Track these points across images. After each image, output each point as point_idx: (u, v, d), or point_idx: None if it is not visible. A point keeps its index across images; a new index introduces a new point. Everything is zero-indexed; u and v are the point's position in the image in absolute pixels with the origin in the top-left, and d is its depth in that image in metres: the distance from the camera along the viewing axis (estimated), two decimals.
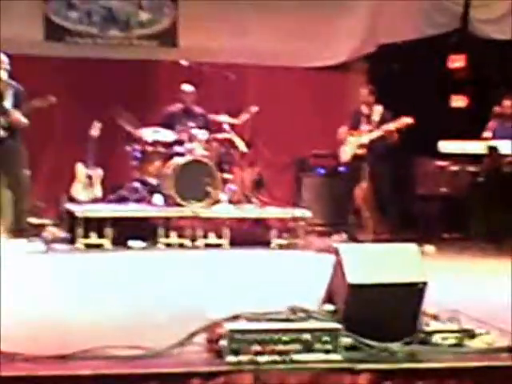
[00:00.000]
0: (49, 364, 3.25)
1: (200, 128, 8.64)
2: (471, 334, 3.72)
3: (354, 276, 3.60)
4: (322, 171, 9.45)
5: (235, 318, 3.56)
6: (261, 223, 8.61)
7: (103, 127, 8.47)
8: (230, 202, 8.47)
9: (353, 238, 8.18)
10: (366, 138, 8.34)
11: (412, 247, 3.78)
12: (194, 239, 8.00)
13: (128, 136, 8.64)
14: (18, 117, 7.35)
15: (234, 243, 8.06)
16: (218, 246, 8.02)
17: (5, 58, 7.49)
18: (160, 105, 9.09)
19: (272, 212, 8.51)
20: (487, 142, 8.42)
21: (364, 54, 9.99)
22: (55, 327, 4.10)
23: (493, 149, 8.32)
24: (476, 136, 8.78)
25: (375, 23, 9.79)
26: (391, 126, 8.13)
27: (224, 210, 8.26)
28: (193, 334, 3.54)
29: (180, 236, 8.00)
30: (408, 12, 9.58)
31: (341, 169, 9.19)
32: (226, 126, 8.77)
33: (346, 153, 8.54)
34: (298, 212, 8.41)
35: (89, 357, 3.33)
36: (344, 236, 8.40)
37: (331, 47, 9.97)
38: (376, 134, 8.25)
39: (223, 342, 3.35)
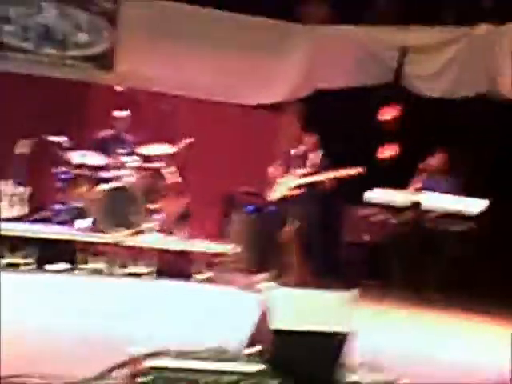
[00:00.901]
0: None
1: (130, 155, 8.55)
2: None
3: (279, 321, 3.58)
4: (251, 208, 9.44)
5: (158, 354, 3.49)
6: (187, 255, 8.52)
7: (34, 146, 8.31)
8: (158, 231, 8.38)
9: (276, 278, 8.16)
10: (300, 181, 8.37)
11: (340, 296, 3.79)
12: (118, 267, 7.86)
13: (56, 157, 8.47)
14: None
15: (160, 273, 7.96)
16: (141, 275, 7.89)
17: None
18: (92, 128, 8.96)
19: (198, 245, 8.44)
20: (411, 196, 8.56)
21: (299, 97, 10.09)
22: None
23: (416, 204, 8.47)
24: (403, 187, 8.92)
25: (312, 68, 9.92)
26: (338, 173, 8.17)
27: (150, 240, 8.16)
28: (113, 368, 3.45)
29: (106, 262, 7.84)
30: (344, 61, 9.76)
31: (270, 208, 9.22)
32: (158, 155, 8.70)
33: (275, 193, 8.56)
34: (224, 247, 8.38)
35: None
36: (268, 275, 8.38)
37: (267, 87, 10.05)
38: (315, 178, 8.28)
39: (144, 379, 3.28)
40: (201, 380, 3.29)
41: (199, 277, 8.13)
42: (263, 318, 3.65)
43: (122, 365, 3.45)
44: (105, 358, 3.60)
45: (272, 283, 7.91)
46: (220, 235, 9.27)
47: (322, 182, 8.20)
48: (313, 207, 8.39)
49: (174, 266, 8.37)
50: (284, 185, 8.47)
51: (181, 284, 7.78)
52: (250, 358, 3.58)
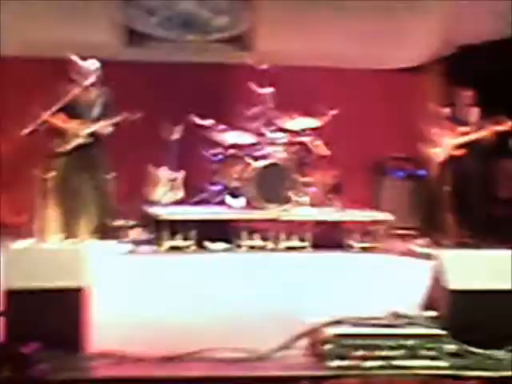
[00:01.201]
0: (157, 365, 3.32)
1: (279, 131, 8.69)
2: None
3: (456, 282, 3.59)
4: (401, 174, 9.38)
5: (338, 322, 3.58)
6: (341, 226, 8.58)
7: (184, 131, 8.61)
8: (311, 205, 8.50)
9: (436, 243, 8.09)
10: (465, 139, 8.21)
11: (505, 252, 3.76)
12: (275, 242, 8.05)
13: (208, 140, 8.74)
14: (103, 127, 7.54)
15: (315, 246, 8.09)
16: (300, 248, 8.04)
17: (93, 66, 7.63)
18: (239, 108, 9.15)
19: (353, 215, 8.48)
20: None
21: (443, 55, 9.89)
22: (156, 329, 4.18)
23: None
24: None
25: (453, 25, 9.66)
26: (495, 128, 8.00)
27: (305, 213, 8.29)
28: (296, 338, 3.57)
29: (262, 239, 8.06)
30: (484, 13, 9.44)
31: (420, 172, 9.15)
32: (305, 129, 8.79)
33: (439, 154, 8.41)
34: (380, 215, 8.39)
35: (196, 359, 3.40)
36: (427, 240, 8.32)
37: (408, 49, 9.90)
38: (476, 135, 8.12)
39: (328, 347, 3.38)
40: (382, 345, 3.36)
41: (358, 246, 8.17)
42: (440, 281, 3.67)
43: (304, 334, 3.57)
44: (286, 330, 3.72)
45: (431, 248, 7.92)
46: (372, 203, 9.27)
47: (482, 139, 8.02)
48: (474, 165, 8.21)
49: (332, 237, 8.46)
50: (449, 145, 8.30)
51: (340, 255, 7.85)
52: (427, 322, 3.61)
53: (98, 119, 7.55)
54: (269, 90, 8.97)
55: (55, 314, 3.16)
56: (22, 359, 2.80)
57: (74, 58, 7.54)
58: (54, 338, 3.11)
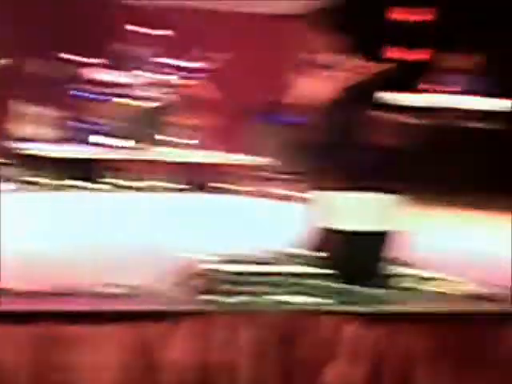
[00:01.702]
0: (41, 300, 3.25)
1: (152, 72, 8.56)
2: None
3: (339, 223, 3.68)
4: (282, 120, 9.44)
5: (210, 258, 3.60)
6: (219, 170, 8.58)
7: (50, 66, 8.33)
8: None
9: (314, 187, 8.23)
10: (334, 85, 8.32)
11: (386, 197, 3.88)
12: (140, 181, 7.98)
13: (75, 76, 8.48)
14: None
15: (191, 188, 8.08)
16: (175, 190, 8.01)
17: None
18: (103, 43, 8.89)
19: (229, 158, 8.49)
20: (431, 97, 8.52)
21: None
22: (31, 265, 4.09)
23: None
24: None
25: None
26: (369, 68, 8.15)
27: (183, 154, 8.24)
28: (168, 273, 3.57)
29: (123, 178, 7.95)
30: None
31: (299, 119, 9.24)
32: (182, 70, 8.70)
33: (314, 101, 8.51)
34: (260, 160, 8.44)
35: (64, 294, 3.34)
36: (306, 185, 8.44)
37: None
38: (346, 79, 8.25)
39: (198, 281, 3.39)
40: (262, 281, 3.39)
41: (239, 189, 8.21)
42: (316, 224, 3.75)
43: (177, 270, 3.57)
44: (157, 266, 3.71)
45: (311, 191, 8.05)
46: (254, 149, 9.30)
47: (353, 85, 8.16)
48: (347, 112, 8.36)
49: (205, 180, 8.46)
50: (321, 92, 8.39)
51: (221, 197, 7.87)
52: (309, 261, 3.68)
53: None
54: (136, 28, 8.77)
55: None
56: None
57: None
58: None
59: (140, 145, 8.08)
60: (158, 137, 8.15)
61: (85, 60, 8.49)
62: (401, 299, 3.55)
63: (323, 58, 8.44)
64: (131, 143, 8.07)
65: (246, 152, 8.86)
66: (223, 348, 3.14)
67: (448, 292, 3.72)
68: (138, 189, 7.88)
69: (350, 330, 3.21)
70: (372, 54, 8.68)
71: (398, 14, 9.83)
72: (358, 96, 8.17)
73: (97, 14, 9.11)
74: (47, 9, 8.95)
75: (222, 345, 3.14)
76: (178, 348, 3.16)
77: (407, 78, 8.99)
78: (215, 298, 3.32)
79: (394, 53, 9.76)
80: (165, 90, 8.63)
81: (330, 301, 3.41)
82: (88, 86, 8.32)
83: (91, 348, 3.14)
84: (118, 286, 3.45)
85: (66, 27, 8.85)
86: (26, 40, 8.47)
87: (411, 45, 9.68)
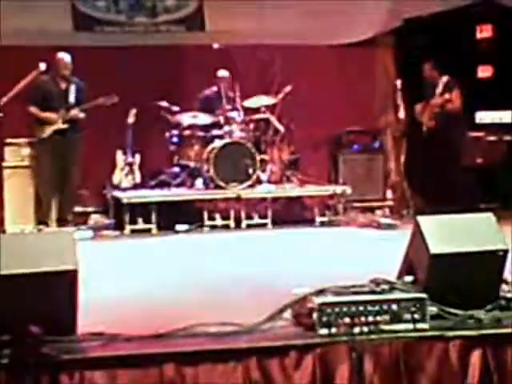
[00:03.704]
0: (150, 343, 3.35)
1: (236, 110, 8.72)
2: None
3: (435, 246, 3.69)
4: (357, 147, 9.49)
5: (321, 292, 3.65)
6: (300, 202, 8.69)
7: (140, 114, 8.58)
8: (269, 182, 8.57)
9: (396, 213, 8.26)
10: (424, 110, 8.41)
11: (488, 216, 3.87)
12: (237, 220, 8.11)
13: (166, 122, 8.72)
14: (77, 112, 7.80)
15: (275, 223, 8.17)
16: (262, 225, 8.12)
17: (68, 58, 7.91)
18: (194, 89, 9.15)
19: (313, 190, 8.59)
20: None
21: (390, 29, 10.00)
22: (138, 308, 4.22)
23: None
24: (504, 105, 8.79)
25: None
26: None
27: (265, 191, 8.36)
28: (282, 309, 3.64)
29: (224, 218, 8.11)
30: None
31: (375, 145, 9.31)
32: (261, 107, 8.84)
33: (395, 126, 8.60)
34: (339, 189, 8.51)
35: (186, 335, 3.44)
36: (387, 211, 8.48)
37: (356, 23, 9.98)
38: (435, 105, 8.32)
39: (315, 316, 3.45)
40: (367, 311, 3.45)
41: (318, 220, 8.28)
42: (417, 246, 3.76)
43: (290, 305, 3.64)
44: (264, 302, 3.79)
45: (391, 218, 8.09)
46: (330, 178, 9.39)
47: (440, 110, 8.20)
48: (433, 135, 8.38)
49: (290, 214, 8.55)
50: (402, 116, 8.45)
51: (301, 230, 7.94)
52: (408, 287, 3.71)
53: (72, 106, 7.76)
54: (226, 71, 8.99)
55: (46, 298, 3.17)
56: (30, 340, 2.81)
57: (62, 54, 7.89)
58: (45, 321, 3.12)
59: (236, 184, 8.21)
60: (253, 174, 8.25)
61: (179, 108, 8.74)
62: None
63: (399, 83, 8.53)
64: (230, 182, 8.21)
65: (327, 182, 8.94)
66: (349, 379, 3.20)
67: None
68: (237, 227, 8.00)
69: (476, 354, 3.23)
70: (464, 73, 8.73)
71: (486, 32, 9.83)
72: (455, 120, 8.22)
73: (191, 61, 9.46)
74: (144, 61, 9.31)
75: (347, 376, 3.19)
76: (302, 382, 3.23)
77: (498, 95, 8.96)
78: (333, 330, 3.37)
79: (484, 71, 9.74)
80: (251, 127, 8.77)
81: (439, 325, 3.45)
82: (187, 131, 8.53)
83: None
84: (235, 324, 3.54)
85: (160, 78, 9.17)
86: (116, 90, 8.75)
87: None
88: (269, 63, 9.22)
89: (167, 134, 8.72)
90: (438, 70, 8.59)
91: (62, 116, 7.71)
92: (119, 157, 8.61)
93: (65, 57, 7.89)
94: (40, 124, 7.72)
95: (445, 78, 8.49)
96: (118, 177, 8.54)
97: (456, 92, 8.37)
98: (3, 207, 7.75)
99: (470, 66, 9.89)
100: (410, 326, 3.48)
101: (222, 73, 8.97)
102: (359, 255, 6.01)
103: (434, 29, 9.53)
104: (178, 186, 8.54)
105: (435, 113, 8.35)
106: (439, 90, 8.46)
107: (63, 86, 7.82)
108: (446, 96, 8.29)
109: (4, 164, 7.96)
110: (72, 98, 7.81)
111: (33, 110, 7.70)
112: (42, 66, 7.32)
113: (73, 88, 7.84)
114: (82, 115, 7.83)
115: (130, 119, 8.61)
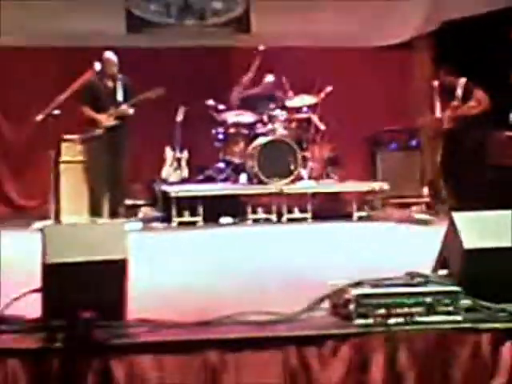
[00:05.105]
0: (195, 330, 3.36)
1: (279, 109, 8.72)
2: None
3: (469, 241, 3.64)
4: (395, 146, 9.43)
5: (358, 283, 3.63)
6: (339, 197, 8.65)
7: (188, 112, 8.63)
8: (310, 178, 8.55)
9: (431, 209, 8.18)
10: (453, 113, 8.26)
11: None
12: (279, 214, 8.11)
13: (212, 120, 8.76)
14: (127, 108, 7.81)
15: (315, 217, 8.15)
16: (302, 220, 8.11)
17: (114, 57, 7.91)
18: (240, 90, 9.17)
19: (351, 186, 8.56)
20: None
21: (427, 31, 9.90)
22: (183, 297, 4.24)
23: None
24: None
25: (437, 0, 9.69)
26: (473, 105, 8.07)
27: (306, 186, 8.35)
28: (321, 300, 3.62)
29: (266, 212, 8.12)
30: None
31: (412, 143, 9.23)
32: (303, 107, 8.82)
33: (431, 125, 8.49)
34: (376, 185, 8.46)
35: (230, 322, 3.44)
36: (423, 207, 8.40)
37: (395, 26, 9.91)
38: (463, 109, 8.16)
39: (351, 307, 3.43)
40: (402, 303, 3.42)
41: (357, 215, 8.23)
42: (452, 241, 3.72)
43: (327, 296, 3.62)
44: (308, 293, 3.77)
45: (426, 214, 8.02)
46: (368, 175, 9.35)
47: (469, 112, 8.06)
48: (464, 135, 8.25)
49: (331, 208, 8.52)
50: (437, 116, 8.33)
51: (340, 224, 7.91)
52: (442, 280, 3.67)
53: (121, 103, 7.79)
54: (272, 76, 9.00)
55: (98, 285, 3.21)
56: (82, 325, 2.85)
57: (109, 54, 7.90)
58: (96, 307, 3.15)
59: (279, 179, 8.20)
60: (294, 171, 8.24)
61: (225, 106, 8.77)
62: None
63: (436, 84, 8.43)
64: (273, 177, 8.21)
65: (365, 179, 8.89)
66: (384, 369, 3.17)
67: None
68: (278, 221, 8.00)
69: (508, 346, 3.18)
70: (498, 75, 8.59)
71: None
72: (481, 121, 8.08)
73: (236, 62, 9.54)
74: (193, 62, 9.35)
75: (382, 365, 3.17)
76: (339, 370, 3.22)
77: None
78: (370, 321, 3.35)
79: None
80: (293, 125, 8.76)
81: (472, 317, 3.41)
82: (232, 129, 8.55)
83: (257, 371, 3.23)
84: (275, 313, 3.53)
85: (208, 78, 9.22)
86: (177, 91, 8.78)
87: None
88: (310, 64, 9.18)
89: (213, 132, 8.77)
90: (456, 73, 8.40)
91: (112, 114, 7.75)
92: (168, 152, 8.70)
93: (111, 56, 7.88)
94: (92, 122, 7.78)
95: (462, 80, 8.27)
96: (167, 172, 8.63)
97: (480, 93, 8.14)
98: (59, 200, 7.85)
99: (505, 69, 9.73)
100: (444, 318, 3.44)
101: (269, 78, 8.97)
102: (396, 249, 5.96)
103: (470, 31, 9.39)
104: (223, 180, 8.58)
105: (456, 116, 8.18)
106: (459, 93, 8.25)
107: (111, 84, 7.84)
108: (472, 103, 8.07)
109: (60, 159, 8.06)
110: (120, 96, 7.80)
111: (85, 110, 7.76)
112: (97, 66, 7.38)
113: (120, 85, 7.83)
114: (131, 111, 7.83)
115: (179, 117, 8.68)
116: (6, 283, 3.64)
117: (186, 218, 7.93)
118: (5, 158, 9.39)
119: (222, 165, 8.70)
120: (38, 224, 7.11)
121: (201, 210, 7.93)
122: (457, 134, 8.27)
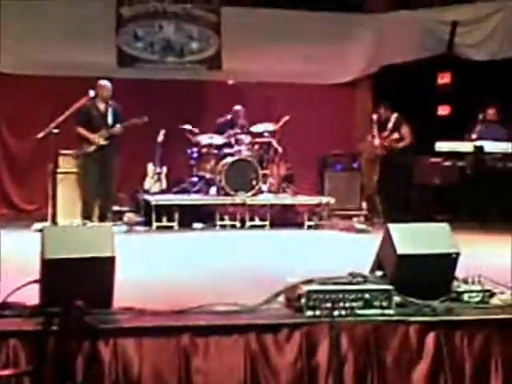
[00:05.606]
0: (170, 317, 3.34)
1: (244, 134, 8.73)
2: (491, 294, 3.79)
3: (401, 248, 3.68)
4: (340, 167, 9.50)
5: (309, 281, 3.63)
6: (293, 209, 8.67)
7: (168, 134, 8.62)
8: (269, 191, 8.56)
9: (368, 220, 8.24)
10: (386, 141, 8.39)
11: (444, 225, 3.86)
12: (242, 222, 8.11)
13: (188, 141, 8.74)
14: (117, 130, 7.72)
15: (272, 225, 8.16)
16: (262, 227, 8.11)
17: (109, 84, 7.79)
18: (213, 116, 9.18)
19: (303, 199, 8.58)
20: (474, 143, 8.44)
21: (368, 73, 10.04)
22: (161, 289, 4.21)
23: (478, 148, 8.35)
24: (459, 137, 8.78)
25: (378, 48, 9.83)
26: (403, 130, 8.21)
27: (266, 199, 8.35)
28: (277, 294, 3.62)
29: (231, 219, 8.10)
30: (404, 38, 9.62)
31: (354, 165, 9.32)
32: (264, 132, 8.84)
33: (369, 151, 8.60)
34: (324, 199, 8.50)
35: (200, 312, 3.42)
36: (362, 219, 8.47)
37: (343, 68, 10.03)
38: (392, 138, 8.29)
39: (303, 300, 3.43)
40: (345, 298, 3.43)
41: (307, 224, 8.25)
42: (387, 248, 3.75)
43: (283, 291, 3.62)
44: (266, 289, 3.76)
45: (364, 224, 8.08)
46: (318, 190, 9.38)
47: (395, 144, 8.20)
48: (394, 159, 8.36)
49: (285, 218, 8.54)
50: (374, 144, 8.43)
51: (293, 232, 7.92)
52: (378, 280, 3.69)
53: (111, 126, 7.70)
54: (240, 106, 9.01)
55: (89, 278, 3.17)
56: (75, 312, 2.81)
57: (104, 82, 7.81)
58: (87, 297, 3.10)
59: (243, 192, 8.19)
60: (256, 185, 8.24)
61: (199, 130, 8.75)
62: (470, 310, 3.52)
63: (374, 118, 8.55)
64: (238, 191, 8.19)
65: (312, 194, 8.93)
66: (329, 353, 3.18)
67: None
68: (242, 227, 7.99)
69: (431, 336, 3.21)
70: (426, 111, 8.72)
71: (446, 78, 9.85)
72: (410, 149, 8.20)
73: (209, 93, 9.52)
74: (172, 92, 9.31)
75: (327, 350, 3.18)
76: (291, 353, 3.21)
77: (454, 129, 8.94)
78: (318, 312, 3.36)
79: (443, 110, 9.75)
80: (256, 148, 8.77)
81: (402, 312, 3.43)
82: (204, 149, 8.53)
83: (222, 354, 3.21)
84: (238, 304, 3.52)
85: (185, 106, 9.18)
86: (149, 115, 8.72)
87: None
88: (272, 97, 9.21)
89: (189, 151, 8.73)
90: (390, 108, 8.57)
91: (103, 135, 7.67)
92: (150, 168, 8.65)
93: (106, 83, 7.79)
94: (86, 140, 7.69)
95: (395, 115, 8.44)
96: (149, 183, 8.57)
97: (405, 129, 8.32)
98: (56, 205, 7.73)
99: (432, 106, 9.89)
100: (379, 311, 3.46)
101: (237, 107, 8.99)
102: (339, 253, 6.00)
103: (405, 74, 9.53)
104: (196, 192, 8.54)
105: (386, 146, 8.34)
106: (390, 125, 8.42)
107: (103, 108, 7.74)
108: (395, 136, 8.26)
109: (58, 170, 7.95)
110: (110, 119, 7.71)
111: (80, 130, 7.65)
112: (92, 93, 7.30)
113: (110, 110, 7.75)
114: (118, 132, 7.72)
115: (160, 138, 8.64)
116: (9, 275, 3.58)
117: (164, 222, 7.88)
118: (10, 169, 9.30)
119: (195, 179, 8.67)
120: (38, 225, 7.00)
121: (177, 216, 7.89)
122: (390, 159, 8.41)
